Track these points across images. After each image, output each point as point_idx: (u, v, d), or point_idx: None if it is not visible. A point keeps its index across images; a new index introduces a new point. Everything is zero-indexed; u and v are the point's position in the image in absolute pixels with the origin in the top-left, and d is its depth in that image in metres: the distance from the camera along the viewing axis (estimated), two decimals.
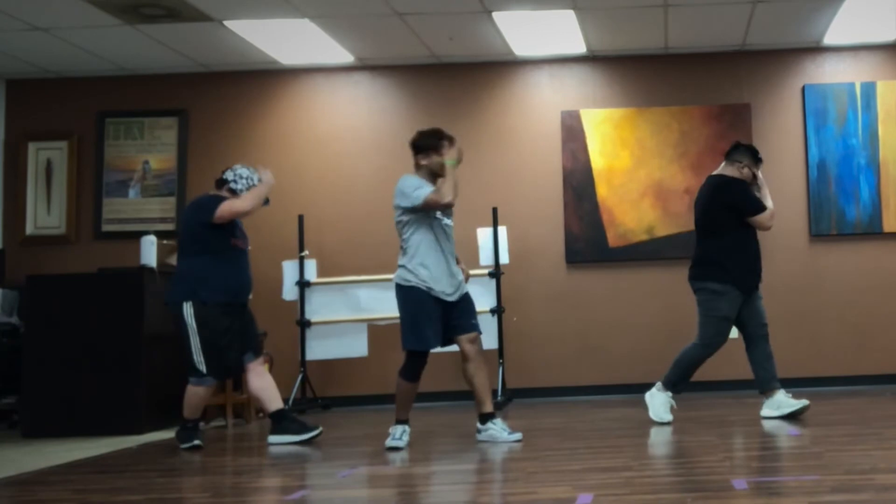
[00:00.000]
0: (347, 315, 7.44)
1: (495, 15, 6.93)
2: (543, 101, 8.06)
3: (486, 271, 7.43)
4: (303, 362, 7.43)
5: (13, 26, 6.85)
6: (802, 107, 7.96)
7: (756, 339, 5.80)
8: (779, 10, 7.04)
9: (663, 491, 3.68)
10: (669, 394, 5.78)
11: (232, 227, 5.52)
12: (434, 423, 6.37)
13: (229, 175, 5.51)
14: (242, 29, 7.10)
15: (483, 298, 7.19)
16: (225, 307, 5.39)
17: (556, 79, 8.08)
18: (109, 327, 6.31)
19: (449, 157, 5.07)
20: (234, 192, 5.45)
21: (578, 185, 7.92)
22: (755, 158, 5.85)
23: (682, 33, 7.52)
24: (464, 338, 5.12)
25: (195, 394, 5.43)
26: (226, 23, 6.95)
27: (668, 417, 5.70)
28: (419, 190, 4.99)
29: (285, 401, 7.18)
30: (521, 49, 7.77)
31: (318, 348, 7.49)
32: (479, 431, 5.25)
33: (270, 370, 6.28)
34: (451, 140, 5.15)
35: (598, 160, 7.94)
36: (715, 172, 5.97)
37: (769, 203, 5.77)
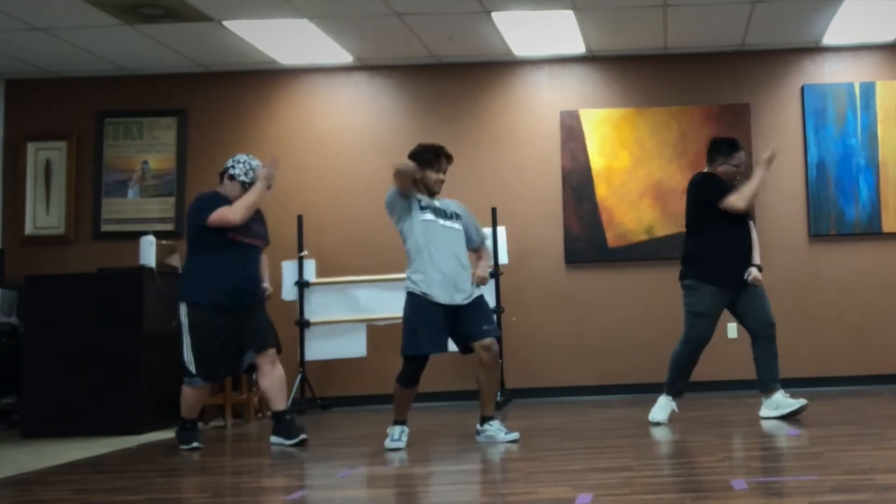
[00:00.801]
0: (346, 315, 7.44)
1: (494, 15, 6.93)
2: (543, 102, 8.06)
3: None
4: (302, 362, 7.43)
5: (13, 26, 6.85)
6: (802, 107, 7.96)
7: (761, 339, 5.78)
8: (778, 10, 7.04)
9: (663, 491, 3.68)
10: (670, 398, 5.78)
11: (247, 228, 5.47)
12: (434, 423, 6.37)
13: (229, 162, 5.47)
14: (242, 29, 7.10)
15: None
16: (220, 309, 5.27)
17: (556, 79, 8.08)
18: (109, 327, 6.31)
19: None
20: (233, 179, 5.41)
21: (578, 185, 7.92)
22: (729, 150, 5.73)
23: (682, 33, 7.52)
24: (478, 345, 5.07)
25: (186, 394, 5.42)
26: (225, 23, 6.95)
27: (660, 418, 5.70)
28: None
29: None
30: (520, 49, 7.77)
31: (318, 348, 7.49)
32: (478, 433, 5.26)
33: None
34: (448, 158, 5.24)
35: (597, 160, 7.94)
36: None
37: (744, 190, 5.68)
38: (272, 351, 5.52)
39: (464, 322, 5.07)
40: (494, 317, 5.31)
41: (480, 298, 5.17)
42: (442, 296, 5.01)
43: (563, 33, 7.40)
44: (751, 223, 5.84)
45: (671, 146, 7.93)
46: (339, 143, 8.08)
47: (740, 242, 5.72)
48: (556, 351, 7.86)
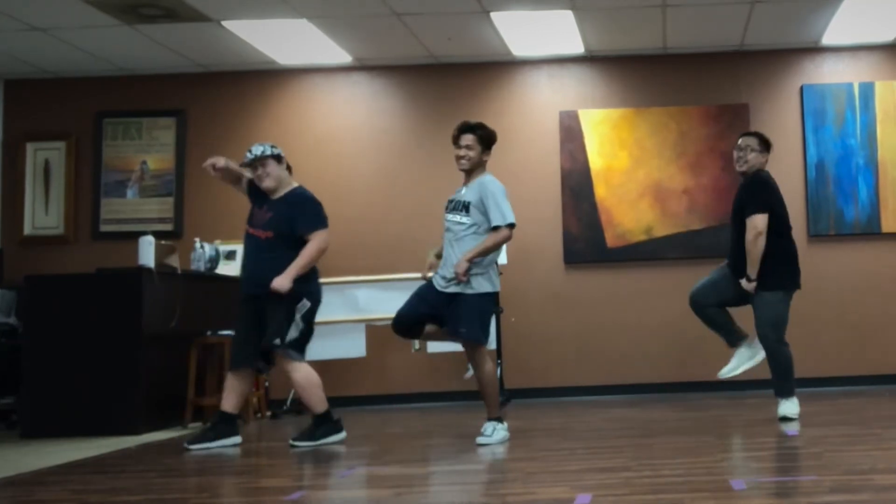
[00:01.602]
0: (345, 315, 7.43)
1: (493, 15, 6.93)
2: (542, 102, 8.06)
3: None
4: None
5: (11, 26, 6.85)
6: (801, 107, 7.96)
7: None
8: (777, 10, 7.04)
9: (662, 491, 3.67)
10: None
11: (251, 213, 5.53)
12: (433, 423, 6.37)
13: (277, 149, 5.58)
14: (240, 29, 7.09)
15: None
16: (243, 297, 5.43)
17: (555, 79, 8.08)
18: (108, 327, 6.29)
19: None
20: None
21: (577, 185, 7.92)
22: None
23: (681, 33, 7.52)
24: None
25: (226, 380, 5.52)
26: (224, 23, 6.95)
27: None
28: None
29: (283, 402, 7.20)
30: (519, 49, 7.77)
31: (316, 349, 7.41)
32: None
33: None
34: (463, 130, 5.33)
35: (596, 160, 7.94)
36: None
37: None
38: (278, 353, 5.38)
39: (447, 314, 5.14)
40: (475, 322, 5.13)
41: (465, 297, 5.11)
42: (435, 277, 5.23)
43: (562, 33, 7.40)
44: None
45: (670, 146, 7.93)
46: (337, 144, 8.07)
47: (737, 238, 5.77)
48: (555, 351, 7.85)
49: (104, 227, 8.02)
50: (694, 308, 5.77)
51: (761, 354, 5.69)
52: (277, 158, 5.48)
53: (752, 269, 5.55)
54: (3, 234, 8.01)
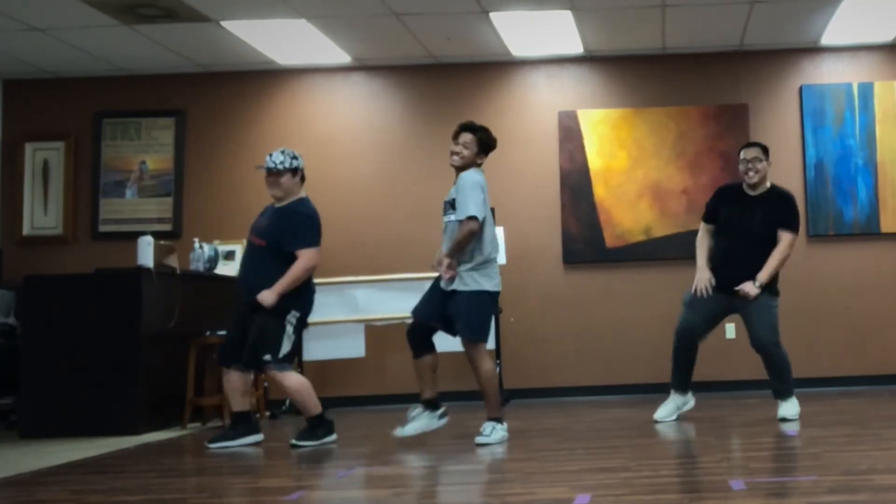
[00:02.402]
0: (345, 316, 7.43)
1: (492, 15, 6.93)
2: (541, 102, 8.06)
3: None
4: (300, 363, 7.42)
5: (10, 27, 6.84)
6: (800, 107, 7.96)
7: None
8: (776, 10, 7.04)
9: (661, 492, 3.68)
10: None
11: (257, 218, 5.58)
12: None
13: (299, 161, 5.60)
14: (240, 29, 7.09)
15: None
16: (241, 303, 5.47)
17: (554, 79, 8.08)
18: (107, 328, 6.29)
19: None
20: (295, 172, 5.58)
21: (576, 185, 7.92)
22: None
23: (680, 33, 7.52)
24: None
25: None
26: (223, 23, 6.94)
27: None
28: None
29: (281, 402, 7.20)
30: (518, 49, 7.77)
31: (316, 349, 7.48)
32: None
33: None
34: (463, 128, 5.33)
35: (595, 160, 7.94)
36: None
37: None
38: (270, 367, 5.33)
39: (450, 312, 5.16)
40: (476, 318, 5.13)
41: (461, 295, 5.11)
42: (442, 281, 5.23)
43: (562, 33, 7.40)
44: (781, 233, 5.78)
45: (669, 146, 7.93)
46: (337, 144, 8.07)
47: (728, 247, 5.83)
48: (554, 351, 7.85)
49: (103, 228, 8.02)
50: (686, 341, 5.81)
51: (691, 403, 5.90)
52: (294, 172, 5.47)
53: (768, 275, 5.67)
54: (2, 235, 8.00)
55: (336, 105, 8.13)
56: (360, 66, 8.09)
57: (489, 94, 8.07)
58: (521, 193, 7.96)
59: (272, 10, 6.70)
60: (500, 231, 7.49)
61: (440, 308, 5.17)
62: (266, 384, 7.27)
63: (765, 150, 5.86)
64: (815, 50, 7.99)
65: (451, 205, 5.23)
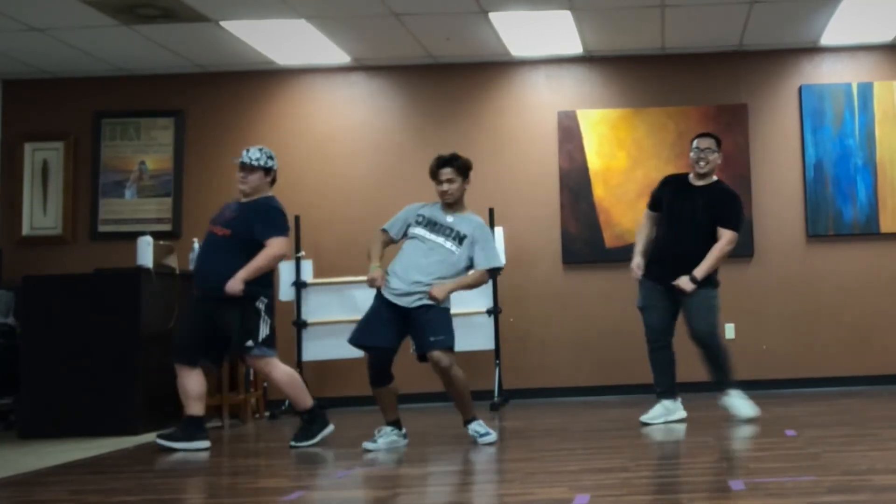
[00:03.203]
0: (344, 316, 7.41)
1: (492, 15, 6.93)
2: (540, 102, 8.05)
3: None
4: (299, 363, 7.42)
5: (9, 27, 6.84)
6: (799, 107, 7.96)
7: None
8: (776, 10, 7.04)
9: (660, 492, 3.68)
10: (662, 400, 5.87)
11: (217, 212, 5.60)
12: (429, 423, 6.36)
13: (273, 162, 5.61)
14: (239, 29, 7.09)
15: (479, 299, 7.20)
16: (197, 296, 5.44)
17: (553, 79, 8.08)
18: (106, 328, 6.30)
19: None
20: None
21: (575, 185, 7.92)
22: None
23: (679, 33, 7.52)
24: (428, 356, 5.06)
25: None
26: (222, 23, 6.94)
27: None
28: None
29: (280, 402, 7.19)
30: (517, 49, 7.77)
31: (315, 349, 7.49)
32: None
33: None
34: (442, 163, 5.35)
35: (594, 161, 7.93)
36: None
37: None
38: (253, 354, 5.36)
39: (412, 329, 5.10)
40: (448, 327, 5.11)
41: (433, 308, 5.08)
42: (391, 294, 5.10)
43: (561, 33, 7.39)
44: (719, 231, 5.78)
45: (669, 147, 7.92)
46: (336, 144, 8.07)
47: (669, 237, 5.90)
48: (553, 351, 7.85)
49: (102, 228, 8.01)
50: (655, 342, 5.91)
51: (680, 413, 5.87)
52: (266, 171, 5.52)
53: (705, 272, 5.68)
54: (2, 235, 8.00)
55: (336, 105, 8.13)
56: (359, 66, 8.08)
57: (488, 95, 8.07)
58: (520, 193, 7.96)
59: (272, 10, 6.70)
60: (499, 231, 7.50)
61: (401, 329, 5.12)
62: (265, 384, 7.27)
63: (718, 142, 5.94)
64: (815, 50, 7.99)
65: (458, 238, 5.21)
